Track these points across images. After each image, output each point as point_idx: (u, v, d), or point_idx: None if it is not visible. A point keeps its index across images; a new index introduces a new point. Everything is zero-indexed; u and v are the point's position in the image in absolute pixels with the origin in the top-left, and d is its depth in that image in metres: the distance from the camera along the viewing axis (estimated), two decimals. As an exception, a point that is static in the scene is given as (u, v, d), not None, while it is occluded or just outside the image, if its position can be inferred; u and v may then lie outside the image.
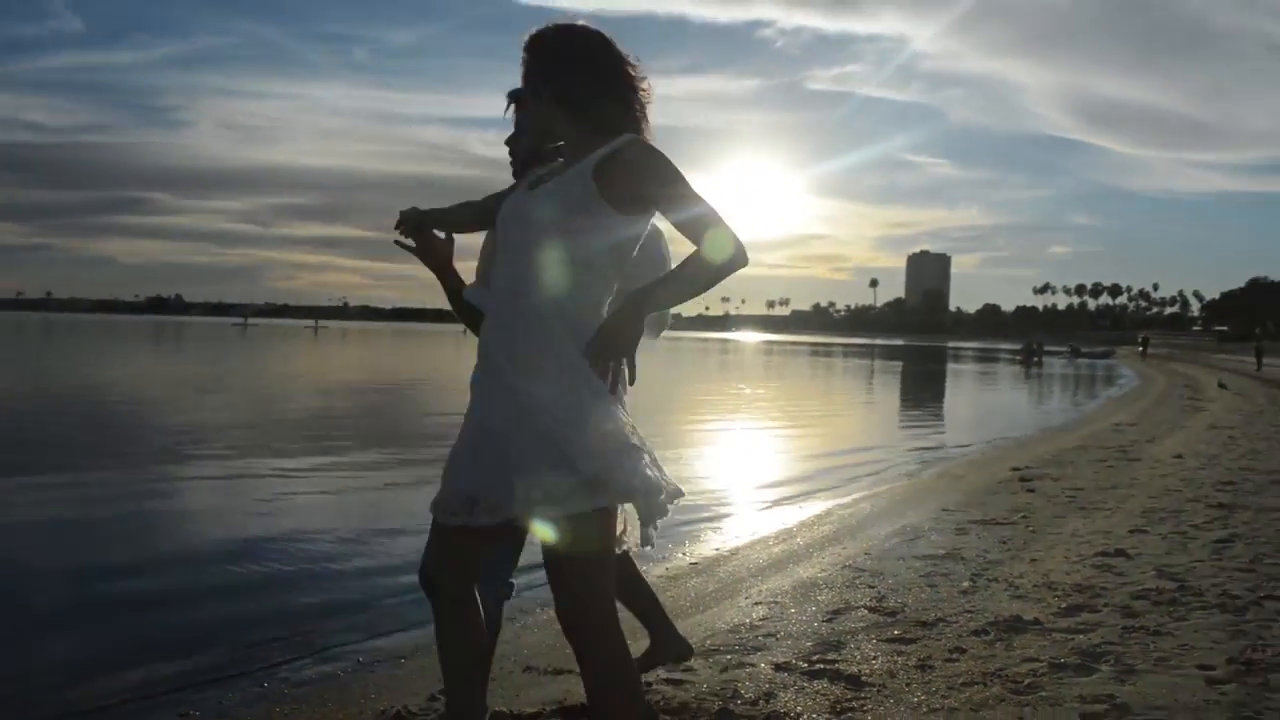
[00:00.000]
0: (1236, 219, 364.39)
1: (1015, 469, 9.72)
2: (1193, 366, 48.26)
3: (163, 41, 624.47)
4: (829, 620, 4.32)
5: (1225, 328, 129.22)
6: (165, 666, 4.14)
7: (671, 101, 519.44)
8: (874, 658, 3.74)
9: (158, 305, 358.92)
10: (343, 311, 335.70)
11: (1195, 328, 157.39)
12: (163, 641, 4.53)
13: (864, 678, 3.51)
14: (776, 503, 8.59)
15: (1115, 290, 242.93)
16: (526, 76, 2.36)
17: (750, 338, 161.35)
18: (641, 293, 2.19)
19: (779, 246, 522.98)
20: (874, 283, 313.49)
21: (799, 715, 3.16)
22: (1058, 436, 14.22)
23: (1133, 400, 23.51)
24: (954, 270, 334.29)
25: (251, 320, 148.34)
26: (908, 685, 3.44)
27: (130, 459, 10.24)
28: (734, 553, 6.30)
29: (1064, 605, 4.43)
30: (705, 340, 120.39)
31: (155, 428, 13.46)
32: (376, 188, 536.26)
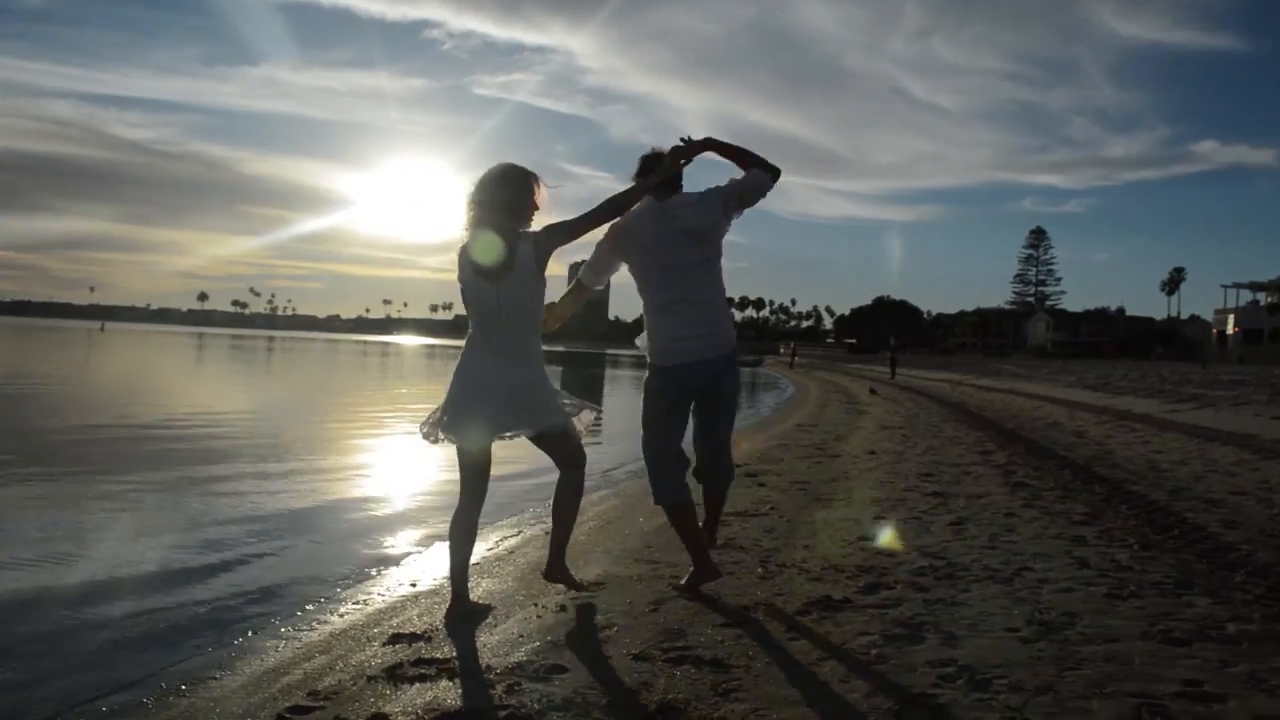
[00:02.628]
0: (862, 242, 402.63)
1: (735, 465, 10.23)
2: (835, 375, 52.88)
3: None
4: (653, 611, 4.39)
5: (854, 340, 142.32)
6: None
7: (335, 95, 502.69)
8: (721, 641, 3.86)
9: None
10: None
11: (829, 340, 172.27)
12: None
13: (725, 660, 3.62)
14: (521, 501, 8.57)
15: (760, 304, 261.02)
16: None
17: (411, 341, 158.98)
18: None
19: (442, 250, 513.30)
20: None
21: (690, 700, 3.21)
22: (752, 436, 15.14)
23: (800, 405, 25.43)
24: (614, 280, 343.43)
25: None
26: (769, 664, 3.58)
27: None
28: (511, 553, 6.24)
29: (861, 584, 4.77)
30: (365, 344, 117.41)
31: None
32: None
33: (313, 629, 4.60)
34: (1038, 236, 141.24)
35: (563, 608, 4.49)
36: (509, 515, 7.91)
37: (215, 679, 3.85)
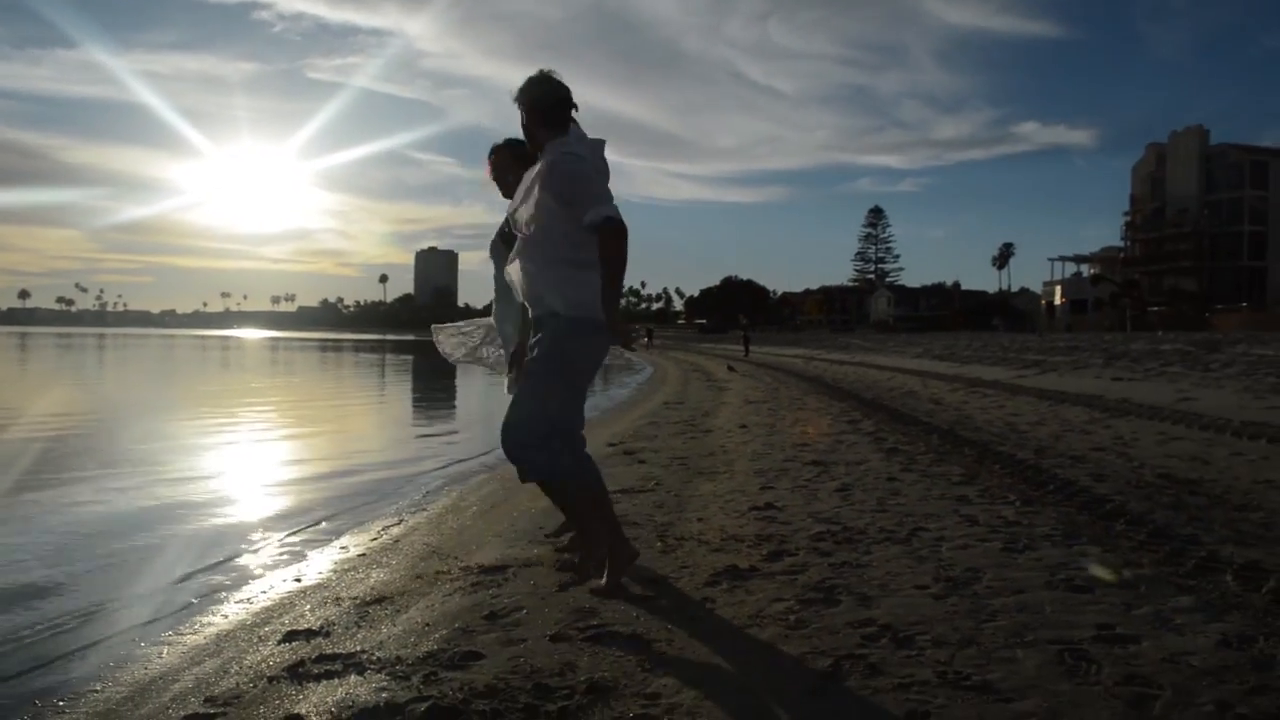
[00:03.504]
0: (708, 224, 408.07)
1: (611, 444, 10.19)
2: (690, 355, 53.45)
3: None
4: (560, 591, 4.26)
5: (705, 320, 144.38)
6: None
7: (160, 80, 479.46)
8: (636, 617, 3.77)
9: None
10: None
11: (680, 321, 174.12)
12: None
13: (644, 635, 3.53)
14: (399, 489, 8.31)
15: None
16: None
17: (253, 334, 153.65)
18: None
19: (283, 240, 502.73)
20: (384, 278, 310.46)
21: (619, 677, 3.11)
22: (621, 416, 15.11)
23: (660, 384, 25.56)
24: (462, 267, 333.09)
25: None
26: (690, 636, 3.51)
27: None
28: (396, 542, 6.00)
29: (765, 553, 4.75)
30: (203, 338, 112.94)
31: None
32: None
33: (196, 631, 4.30)
34: (876, 215, 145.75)
35: (465, 594, 4.32)
36: (388, 504, 7.66)
37: (96, 692, 3.55)
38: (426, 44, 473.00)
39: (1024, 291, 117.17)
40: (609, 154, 4.21)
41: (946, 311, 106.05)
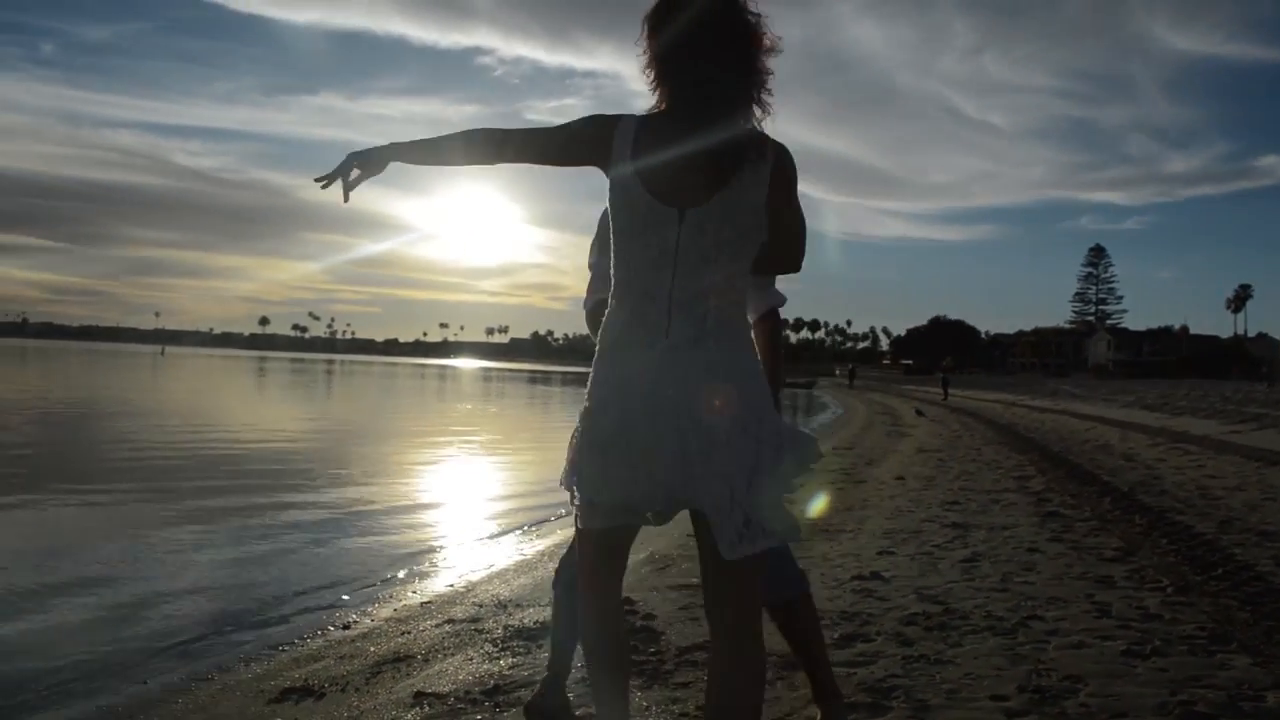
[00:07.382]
0: (917, 262, 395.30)
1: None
2: (888, 396, 51.75)
3: None
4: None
5: (910, 361, 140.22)
6: None
7: (390, 123, 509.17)
8: (647, 707, 3.24)
9: None
10: (21, 329, 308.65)
11: (885, 361, 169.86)
12: None
13: (641, 735, 3.00)
14: (510, 530, 8.02)
15: (815, 325, 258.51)
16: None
17: (469, 364, 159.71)
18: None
19: (497, 274, 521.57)
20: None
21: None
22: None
23: (843, 426, 24.63)
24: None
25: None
26: (692, 741, 2.96)
27: None
28: (470, 590, 5.66)
29: (837, 635, 4.13)
30: (423, 366, 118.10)
31: None
32: (65, 194, 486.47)
33: (210, 680, 4.05)
34: (1097, 254, 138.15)
35: (485, 659, 3.89)
36: (494, 543, 7.36)
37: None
38: (639, 84, 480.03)
39: (1262, 337, 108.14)
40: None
41: (1171, 357, 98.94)
